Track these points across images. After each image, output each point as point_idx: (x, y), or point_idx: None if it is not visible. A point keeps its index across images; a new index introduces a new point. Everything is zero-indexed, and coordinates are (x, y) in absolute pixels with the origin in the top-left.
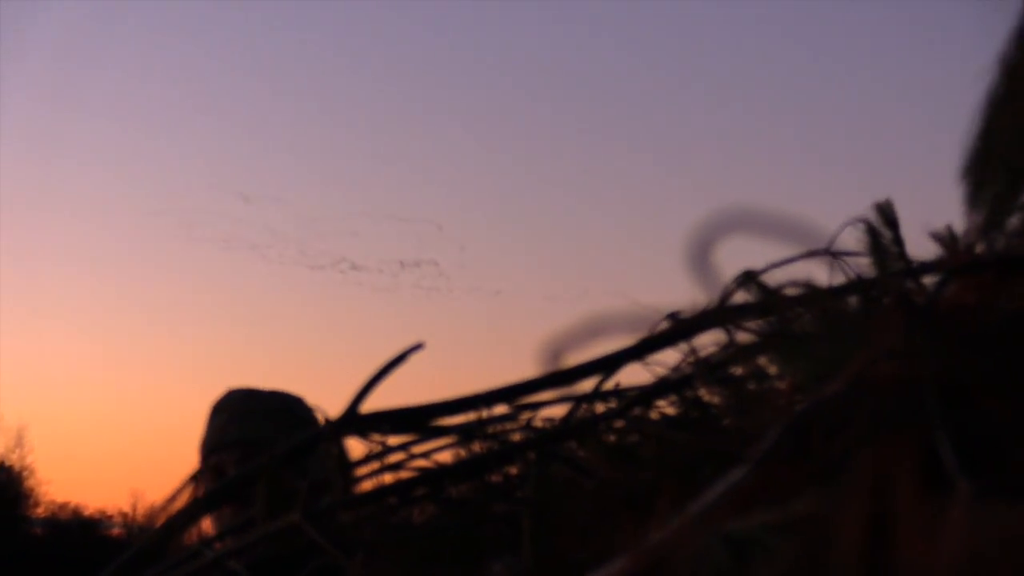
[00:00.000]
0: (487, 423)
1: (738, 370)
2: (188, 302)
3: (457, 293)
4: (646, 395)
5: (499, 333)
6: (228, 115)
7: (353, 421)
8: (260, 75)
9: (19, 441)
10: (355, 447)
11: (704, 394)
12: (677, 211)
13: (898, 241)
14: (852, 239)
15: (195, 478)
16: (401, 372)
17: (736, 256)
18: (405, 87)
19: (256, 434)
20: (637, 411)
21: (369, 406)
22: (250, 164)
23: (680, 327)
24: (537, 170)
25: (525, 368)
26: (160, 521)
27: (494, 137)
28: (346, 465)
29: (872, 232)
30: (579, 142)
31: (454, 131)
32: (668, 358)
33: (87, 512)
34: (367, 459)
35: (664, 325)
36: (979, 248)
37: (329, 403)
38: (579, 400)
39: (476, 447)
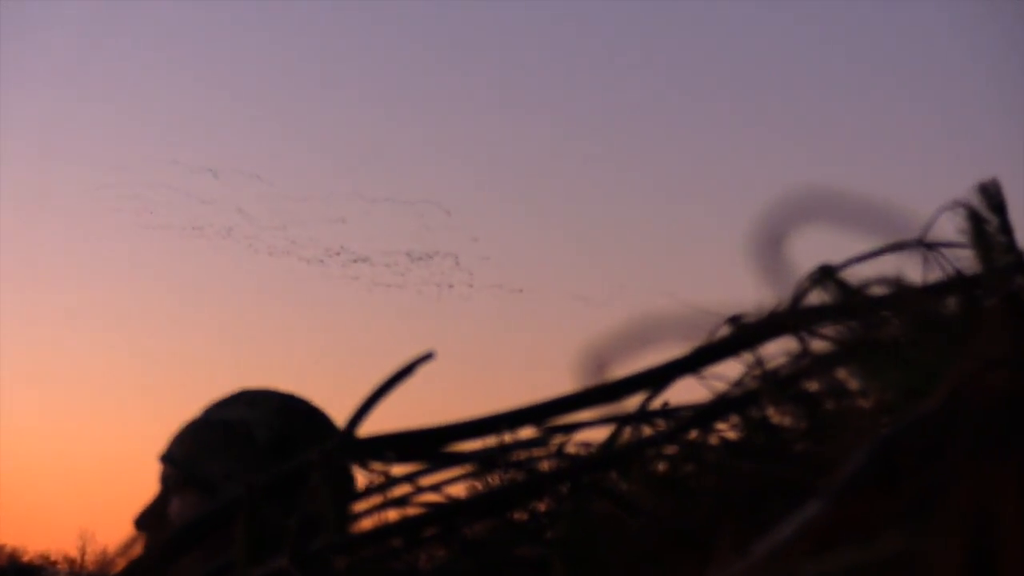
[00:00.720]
0: (510, 449)
1: (813, 385)
2: (148, 304)
3: (473, 291)
4: (703, 415)
5: (524, 340)
6: (190, 73)
7: (350, 446)
8: (225, 26)
9: None
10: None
11: (772, 414)
12: (739, 195)
13: (1006, 229)
14: (951, 227)
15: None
16: (408, 387)
17: (810, 249)
18: (400, 43)
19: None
20: (692, 435)
21: (369, 428)
22: (218, 132)
23: (743, 334)
24: (563, 145)
25: (556, 383)
26: (116, 568)
27: (510, 106)
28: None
29: (975, 219)
30: (615, 111)
31: (463, 98)
32: (729, 371)
33: (27, 557)
34: (367, 492)
35: (724, 331)
36: None
37: None
38: (622, 421)
39: (497, 478)
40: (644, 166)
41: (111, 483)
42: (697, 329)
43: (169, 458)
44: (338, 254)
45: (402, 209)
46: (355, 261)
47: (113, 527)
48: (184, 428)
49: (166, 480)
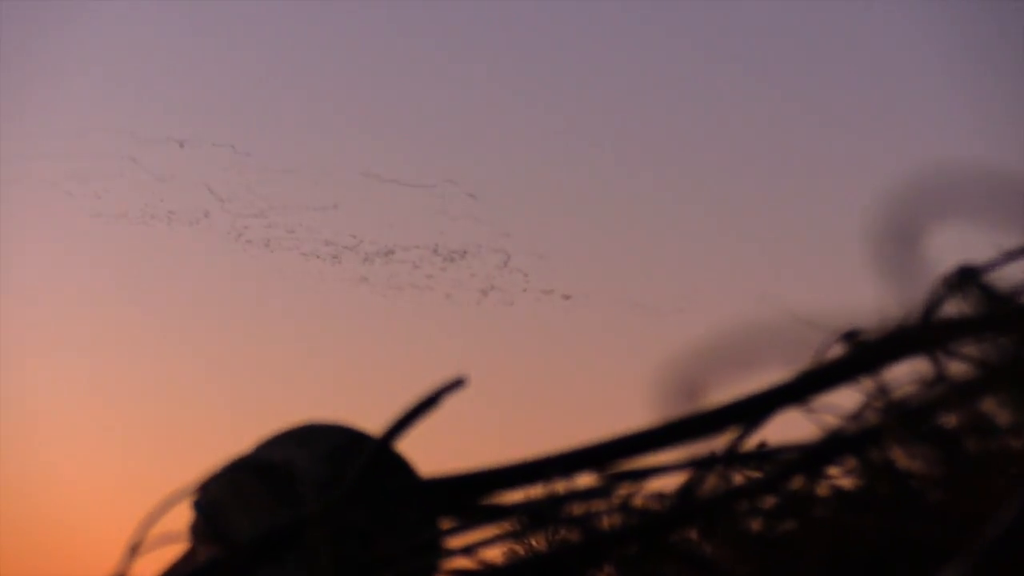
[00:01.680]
0: (564, 501)
1: (951, 420)
2: (103, 314)
3: (515, 297)
4: (810, 458)
5: (580, 361)
6: (149, 21)
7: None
8: None
9: None
10: None
11: (899, 456)
12: (854, 177)
13: None
14: None
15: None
16: (434, 421)
17: (947, 246)
18: None
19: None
20: (796, 482)
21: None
22: (183, 94)
23: (862, 353)
24: (618, 119)
25: (621, 415)
26: None
27: (548, 68)
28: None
29: None
30: (679, 77)
31: (488, 58)
32: (844, 400)
33: None
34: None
35: (837, 350)
36: None
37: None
38: (705, 466)
39: (546, 538)
40: (721, 137)
41: (52, 540)
42: (802, 347)
43: (197, 505)
44: (351, 249)
45: (415, 193)
46: (370, 258)
47: None
48: (223, 468)
49: (193, 529)
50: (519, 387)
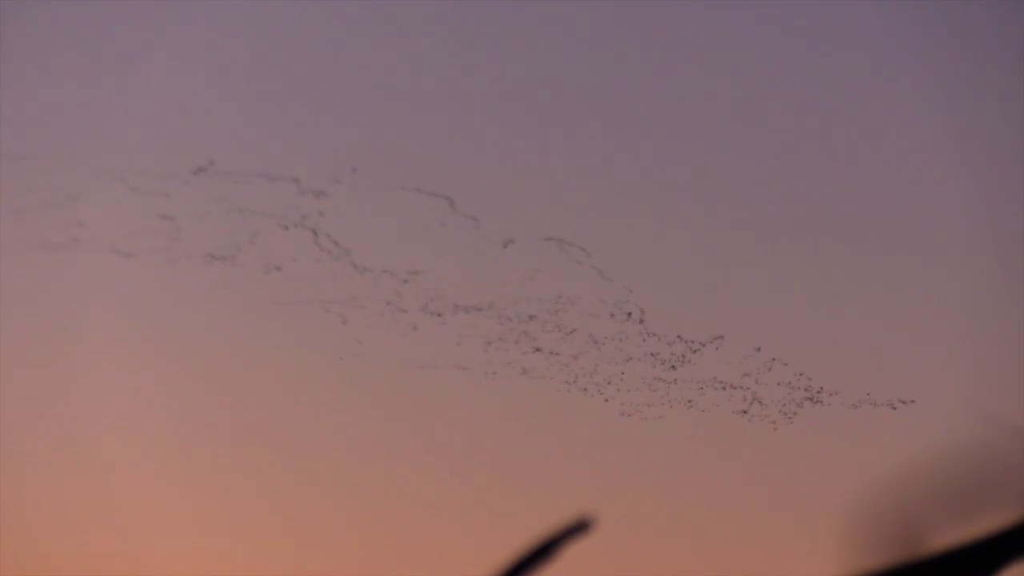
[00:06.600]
0: None
1: None
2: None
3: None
4: None
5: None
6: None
7: None
8: None
9: None
10: None
11: None
12: None
13: None
14: None
15: None
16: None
17: None
18: None
19: None
20: None
21: None
22: (198, 111)
23: None
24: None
25: (802, 551)
26: None
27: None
28: None
29: None
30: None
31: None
32: None
33: None
34: None
35: None
36: None
37: None
38: None
39: None
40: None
41: None
42: None
43: None
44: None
45: (517, 253)
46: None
47: None
48: None
49: None
50: (678, 527)
